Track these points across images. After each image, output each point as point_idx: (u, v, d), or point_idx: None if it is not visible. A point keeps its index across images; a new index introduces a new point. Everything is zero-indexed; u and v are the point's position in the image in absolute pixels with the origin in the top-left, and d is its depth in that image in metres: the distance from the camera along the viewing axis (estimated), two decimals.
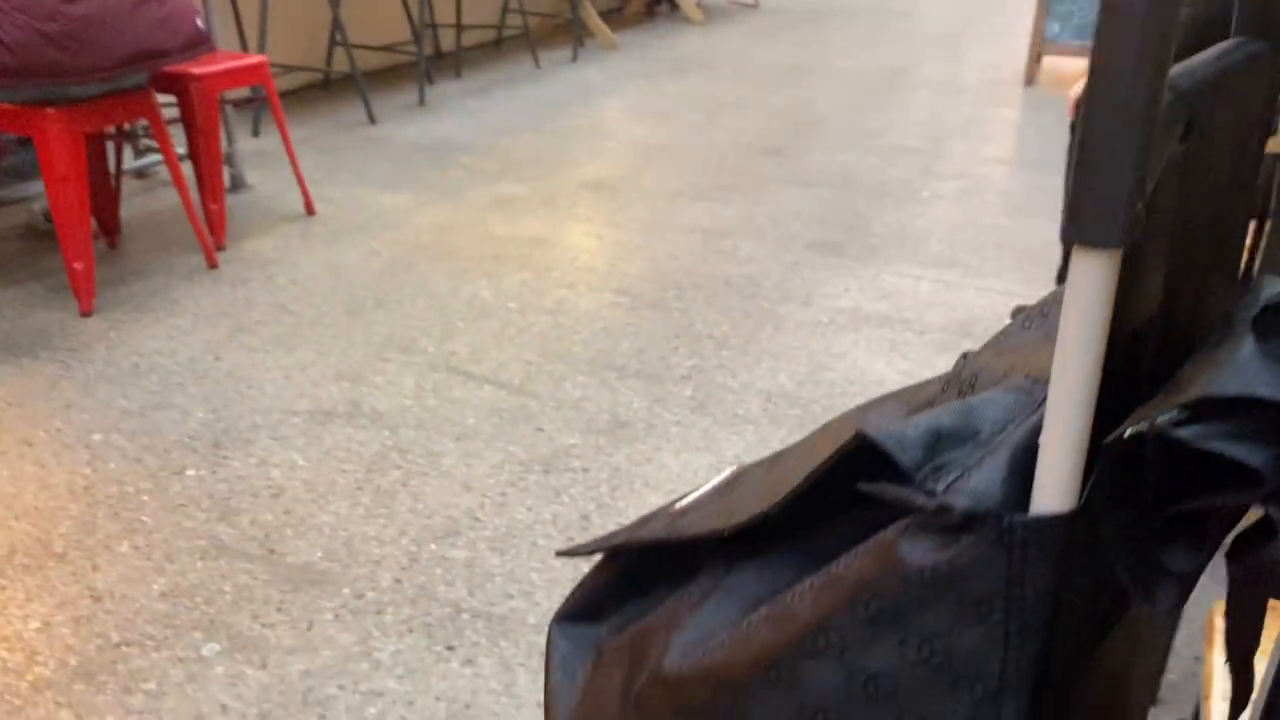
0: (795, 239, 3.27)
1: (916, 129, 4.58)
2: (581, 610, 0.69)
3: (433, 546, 1.83)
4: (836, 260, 3.10)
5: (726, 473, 0.66)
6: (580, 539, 1.85)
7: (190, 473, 2.04)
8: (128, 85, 2.73)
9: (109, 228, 3.17)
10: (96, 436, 2.16)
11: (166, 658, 1.58)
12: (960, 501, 0.45)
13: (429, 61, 5.58)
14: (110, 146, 3.17)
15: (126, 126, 3.50)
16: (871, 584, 0.47)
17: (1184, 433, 0.42)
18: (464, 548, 1.83)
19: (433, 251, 3.15)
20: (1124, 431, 0.43)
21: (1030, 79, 5.43)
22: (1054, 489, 0.45)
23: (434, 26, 5.78)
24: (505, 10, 6.14)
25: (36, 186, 3.38)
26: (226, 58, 3.20)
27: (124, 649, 1.60)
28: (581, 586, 0.69)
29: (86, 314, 2.70)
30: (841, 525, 0.54)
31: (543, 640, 1.61)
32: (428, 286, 2.90)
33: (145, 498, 1.96)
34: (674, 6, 7.53)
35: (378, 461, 2.08)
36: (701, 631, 0.56)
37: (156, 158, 3.66)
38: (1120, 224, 0.40)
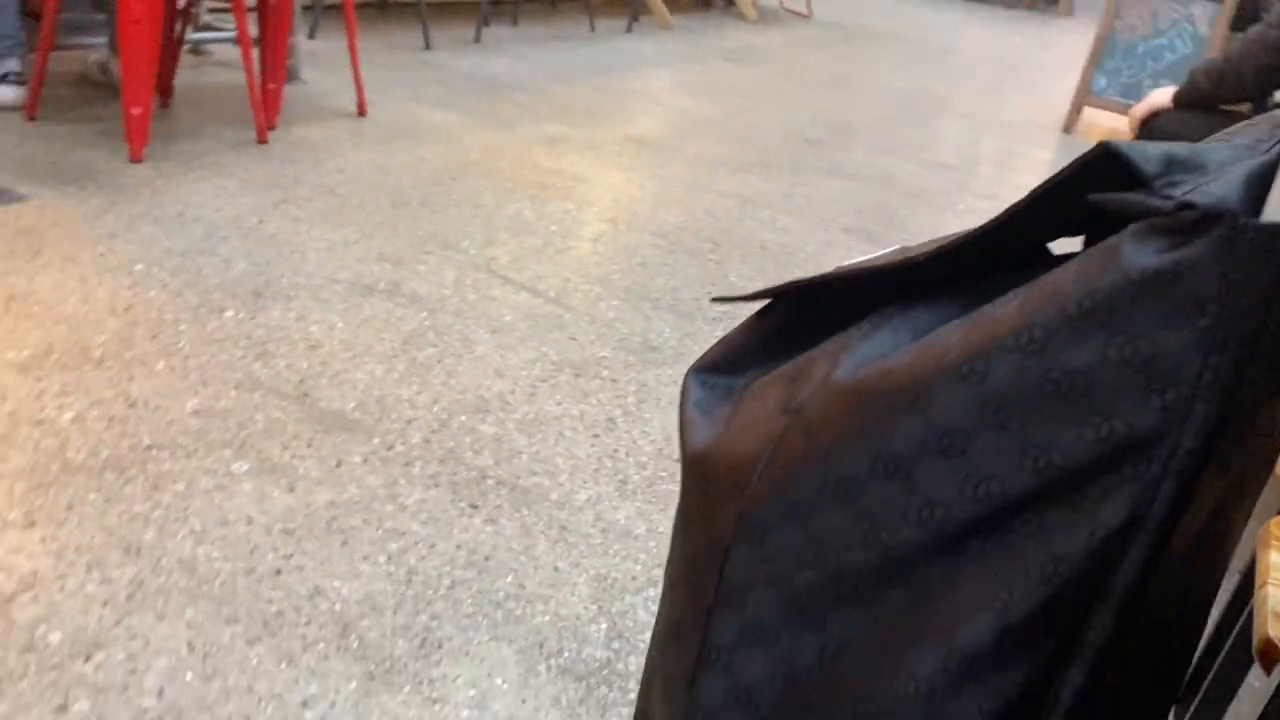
0: (832, 221, 3.32)
1: (954, 150, 4.65)
2: (721, 363, 0.72)
3: (463, 418, 1.86)
4: (871, 246, 3.15)
5: (892, 248, 0.70)
6: (607, 441, 1.89)
7: (229, 314, 2.06)
8: None
9: (163, 88, 3.18)
10: (139, 266, 2.18)
11: (196, 466, 1.60)
12: (1202, 199, 0.49)
13: (489, 4, 5.61)
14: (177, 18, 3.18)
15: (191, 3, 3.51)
16: (1089, 285, 0.51)
17: None
18: (493, 425, 1.86)
19: (480, 169, 3.18)
20: None
21: (1069, 127, 5.51)
22: None
23: None
24: None
25: (94, 40, 3.38)
26: None
27: (155, 452, 1.62)
28: (723, 343, 0.72)
29: (136, 160, 2.71)
30: (1015, 282, 0.57)
31: (565, 516, 1.65)
32: (473, 197, 2.92)
33: (183, 327, 1.98)
34: (730, 2, 7.59)
35: (414, 337, 2.10)
36: (877, 350, 0.59)
37: (213, 35, 3.67)
38: None
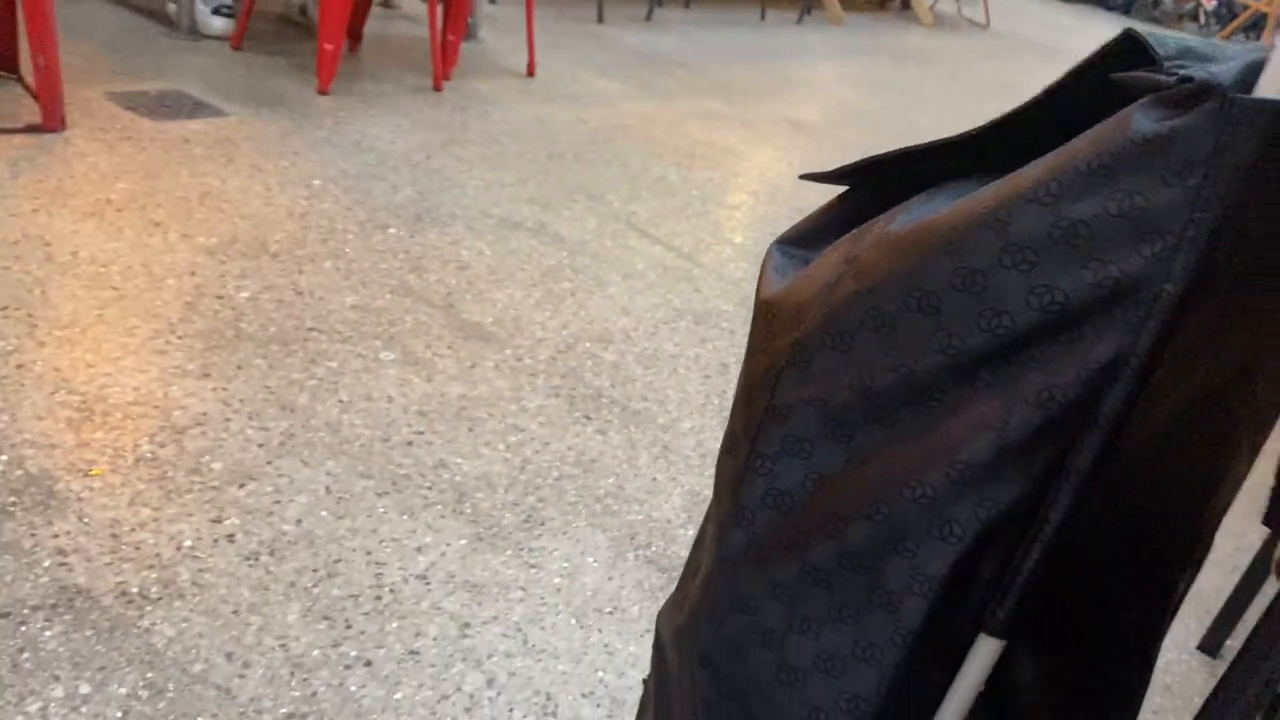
0: None
1: None
2: (803, 237, 0.82)
3: (588, 344, 2.00)
4: None
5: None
6: (717, 383, 2.00)
7: (392, 230, 2.26)
8: None
9: (354, 34, 3.44)
10: (316, 181, 2.40)
11: (349, 350, 1.79)
12: (1198, 74, 0.57)
13: None
14: None
15: None
16: (1100, 146, 0.59)
17: None
18: (614, 354, 1.99)
19: (633, 134, 3.32)
20: None
21: None
22: (1275, 81, 0.56)
23: None
24: None
25: None
26: None
27: (315, 333, 1.82)
28: (808, 218, 0.82)
29: (323, 92, 2.96)
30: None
31: (668, 438, 1.76)
32: (623, 157, 3.07)
33: (350, 236, 2.18)
34: (907, 4, 7.54)
35: (553, 271, 2.26)
36: (927, 209, 0.69)
37: None
38: None
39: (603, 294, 2.21)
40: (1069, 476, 0.62)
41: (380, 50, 3.57)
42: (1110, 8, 10.91)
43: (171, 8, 3.21)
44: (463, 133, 2.94)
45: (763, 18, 5.91)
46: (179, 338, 1.71)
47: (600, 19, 4.81)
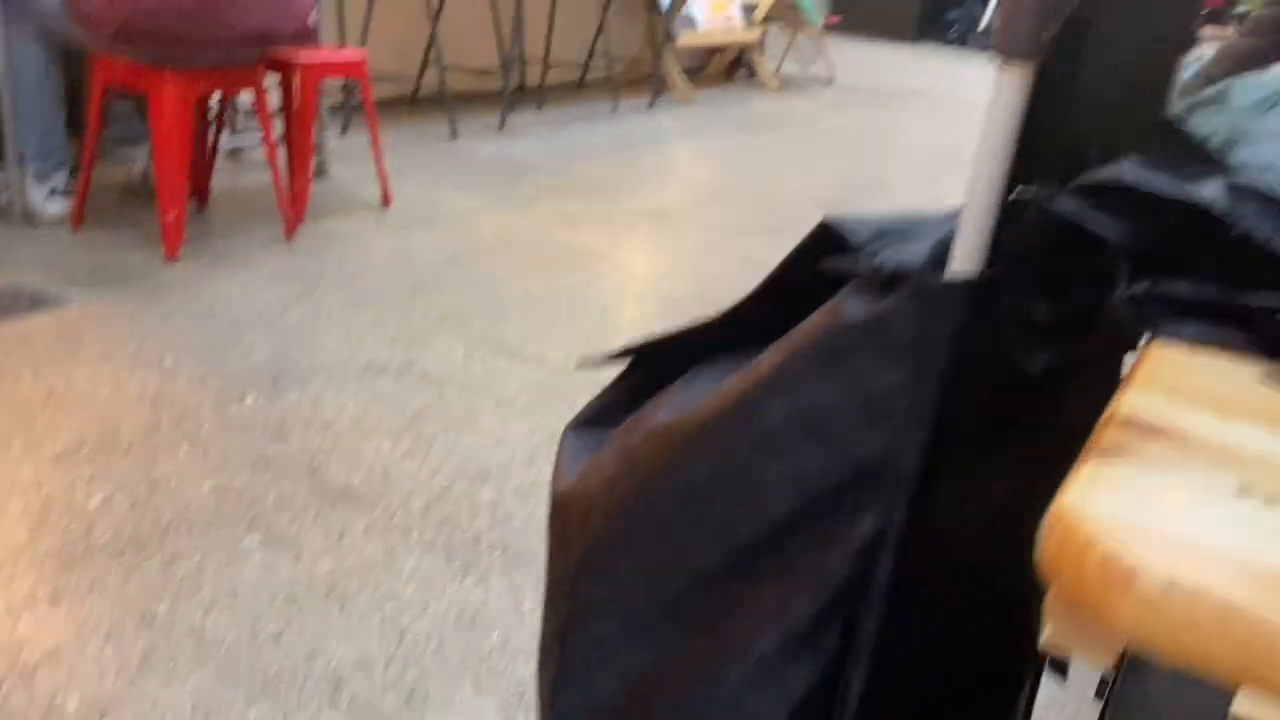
0: None
1: None
2: (594, 417, 0.82)
3: (462, 486, 1.97)
4: None
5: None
6: None
7: (249, 400, 2.21)
8: (240, 59, 2.97)
9: (200, 192, 3.40)
10: (168, 360, 2.34)
11: (209, 543, 1.73)
12: (890, 262, 0.58)
13: (513, 93, 5.85)
14: (211, 126, 3.41)
15: (226, 109, 3.75)
16: (822, 335, 0.60)
17: (1061, 204, 0.55)
18: (491, 491, 1.96)
19: (495, 249, 3.33)
20: (1012, 197, 0.56)
21: None
22: (964, 256, 0.57)
23: (522, 60, 6.06)
24: (591, 53, 6.41)
25: (137, 153, 3.63)
26: (329, 51, 3.44)
27: (173, 529, 1.75)
28: (598, 397, 0.82)
29: (171, 260, 2.91)
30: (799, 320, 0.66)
31: None
32: (487, 277, 3.07)
33: (205, 414, 2.13)
34: (752, 72, 7.79)
35: (422, 413, 2.23)
36: (684, 399, 0.69)
37: (250, 139, 3.91)
38: (1033, 41, 0.54)
39: (475, 429, 2.19)
40: (857, 654, 0.62)
41: (230, 203, 3.53)
42: (948, 42, 11.43)
43: (2, 197, 3.13)
44: (319, 279, 2.92)
45: (615, 108, 6.03)
46: (27, 562, 1.63)
47: (454, 135, 4.85)
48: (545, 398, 2.35)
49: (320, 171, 3.92)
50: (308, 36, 3.10)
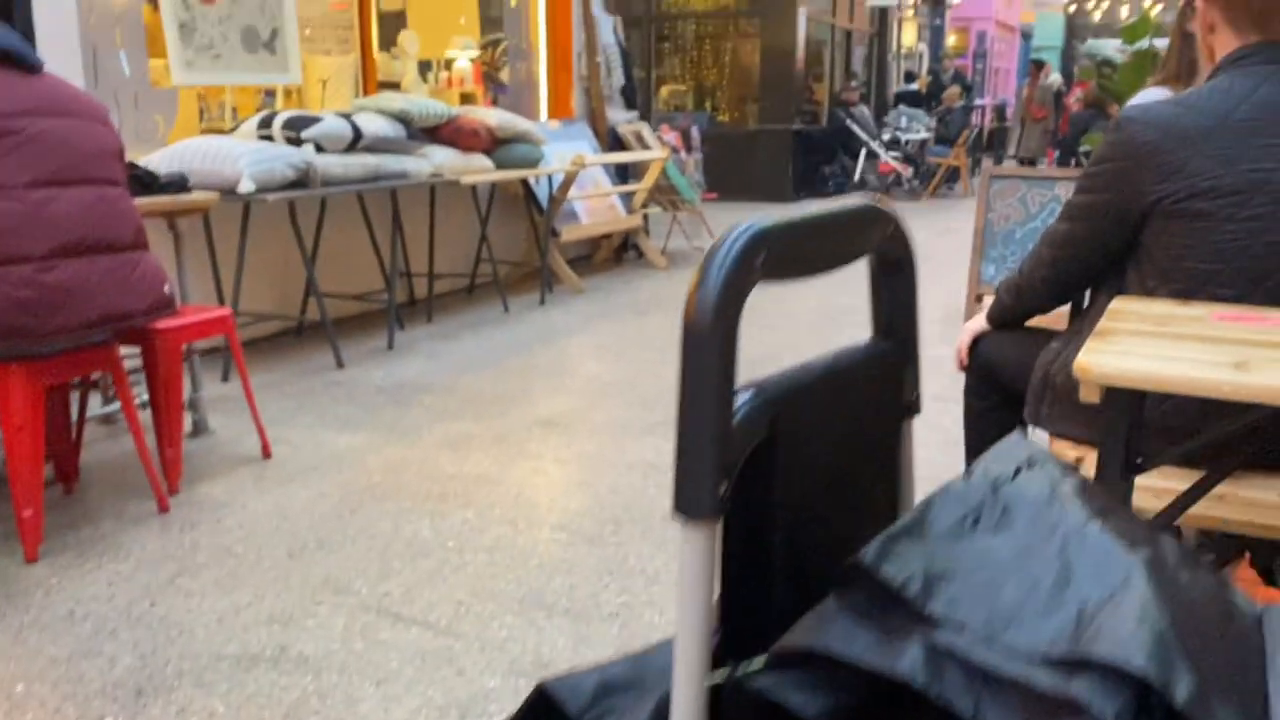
0: None
1: None
2: None
3: None
4: None
5: None
6: None
7: None
8: (91, 341, 2.90)
9: (67, 475, 3.27)
10: (19, 687, 2.17)
11: None
12: None
13: (401, 308, 5.86)
14: (75, 394, 3.31)
15: (92, 376, 3.66)
16: None
17: (759, 682, 0.50)
18: None
19: (380, 491, 3.24)
20: (710, 681, 0.51)
21: (970, 317, 5.70)
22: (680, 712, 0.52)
23: (408, 275, 6.11)
24: (478, 260, 6.50)
25: None
26: (192, 311, 3.39)
27: None
28: None
29: (31, 560, 2.75)
30: None
31: None
32: (370, 527, 2.96)
33: None
34: (640, 254, 7.97)
35: (297, 708, 2.08)
36: None
37: (107, 409, 3.80)
38: (709, 500, 0.50)
39: (354, 717, 2.05)
40: None
41: (101, 478, 3.40)
42: (822, 194, 11.93)
43: None
44: (192, 556, 2.78)
45: (506, 310, 6.07)
46: None
47: (339, 364, 4.80)
48: (430, 667, 2.23)
49: (199, 428, 3.82)
50: (164, 307, 3.05)
